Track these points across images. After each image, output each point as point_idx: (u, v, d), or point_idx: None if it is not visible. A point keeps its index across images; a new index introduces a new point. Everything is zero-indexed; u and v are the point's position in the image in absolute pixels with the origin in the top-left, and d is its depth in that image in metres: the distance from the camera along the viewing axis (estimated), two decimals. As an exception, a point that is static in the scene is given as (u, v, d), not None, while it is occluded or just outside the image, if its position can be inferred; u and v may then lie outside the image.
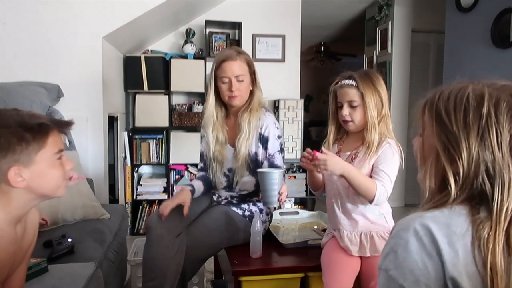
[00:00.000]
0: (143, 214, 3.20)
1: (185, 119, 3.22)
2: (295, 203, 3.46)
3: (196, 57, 3.23)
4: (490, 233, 0.60)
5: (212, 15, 3.36)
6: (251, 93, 1.62)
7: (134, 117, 3.16)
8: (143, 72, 3.09)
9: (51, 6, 2.34)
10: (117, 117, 2.91)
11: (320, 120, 6.38)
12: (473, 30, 2.72)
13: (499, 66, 2.49)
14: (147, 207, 3.22)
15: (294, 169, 3.50)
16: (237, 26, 3.36)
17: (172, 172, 3.26)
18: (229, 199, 1.68)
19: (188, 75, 3.17)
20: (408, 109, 3.83)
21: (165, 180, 3.21)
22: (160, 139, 3.22)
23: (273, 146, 1.59)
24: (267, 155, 1.59)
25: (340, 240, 1.36)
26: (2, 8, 2.29)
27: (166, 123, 3.19)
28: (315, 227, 1.79)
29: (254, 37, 3.46)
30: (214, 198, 1.72)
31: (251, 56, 1.66)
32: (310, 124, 6.45)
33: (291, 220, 1.92)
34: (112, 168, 2.89)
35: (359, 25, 4.58)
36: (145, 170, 3.45)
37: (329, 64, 6.57)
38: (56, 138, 0.91)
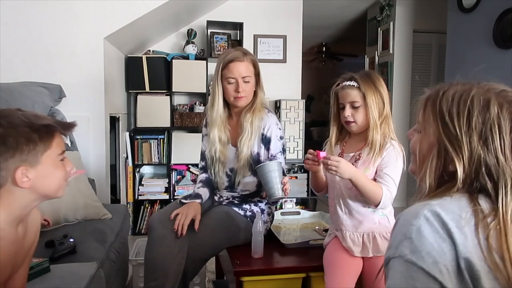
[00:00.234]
0: (144, 214, 3.21)
1: (187, 120, 3.23)
2: (296, 203, 3.46)
3: (197, 57, 3.24)
4: (498, 229, 0.61)
5: (213, 16, 3.37)
6: (254, 93, 1.62)
7: (135, 117, 3.17)
8: (145, 73, 3.09)
9: (52, 7, 2.35)
10: (118, 117, 2.91)
11: (322, 120, 6.37)
12: (475, 30, 2.72)
13: (501, 66, 2.49)
14: (149, 207, 3.22)
15: (296, 169, 3.50)
16: (238, 26, 3.36)
17: (173, 172, 3.26)
18: (231, 199, 1.68)
19: (190, 76, 3.18)
20: (410, 110, 3.83)
21: (167, 180, 3.21)
22: (161, 140, 3.23)
23: (275, 146, 1.60)
24: (269, 155, 1.59)
25: (342, 241, 1.36)
26: (3, 8, 2.30)
27: (167, 124, 3.19)
28: (317, 227, 1.79)
29: (255, 37, 3.46)
30: (216, 198, 1.72)
31: (253, 57, 1.66)
32: (311, 125, 6.44)
33: (293, 220, 1.92)
34: (113, 168, 2.90)
35: (360, 25, 4.58)
36: (146, 170, 3.46)
37: (330, 65, 6.57)
38: (60, 139, 0.92)
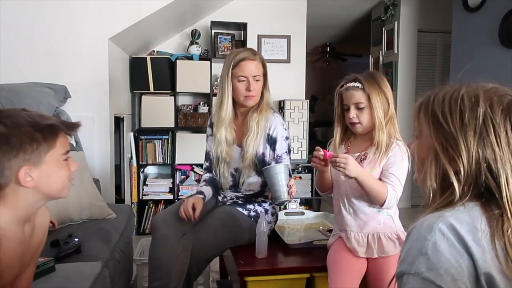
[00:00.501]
0: (149, 214, 3.22)
1: (191, 120, 3.23)
2: (300, 204, 3.45)
3: (201, 58, 3.24)
4: (507, 228, 0.60)
5: (217, 16, 3.37)
6: (261, 94, 1.63)
7: (140, 117, 3.18)
8: (149, 73, 3.10)
9: (57, 8, 2.36)
10: (123, 117, 2.92)
11: (326, 120, 6.36)
12: (481, 29, 2.70)
13: (507, 66, 2.47)
14: (153, 207, 3.23)
15: (300, 169, 3.50)
16: (242, 27, 3.36)
17: (177, 172, 3.27)
18: (235, 199, 1.68)
19: (194, 76, 3.18)
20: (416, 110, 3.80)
21: (171, 180, 3.22)
22: (165, 140, 3.23)
23: (281, 147, 1.60)
24: (275, 156, 1.59)
25: (347, 241, 1.36)
26: (9, 9, 2.32)
27: (171, 124, 3.20)
28: (321, 227, 1.78)
29: (259, 37, 3.46)
30: (220, 198, 1.72)
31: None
32: (315, 125, 6.43)
33: (297, 221, 1.91)
34: (118, 169, 2.91)
35: (365, 25, 4.57)
36: (151, 170, 3.47)
37: (334, 65, 6.55)
38: (64, 139, 0.92)
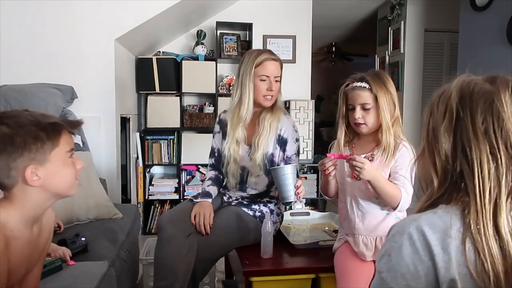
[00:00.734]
0: (154, 214, 3.23)
1: (196, 120, 3.24)
2: (306, 204, 3.45)
3: (207, 58, 3.25)
4: (478, 222, 0.59)
5: (222, 17, 3.38)
6: None
7: (146, 118, 3.20)
8: (155, 74, 3.12)
9: (64, 10, 2.38)
10: (129, 118, 2.94)
11: (331, 120, 6.33)
12: (488, 29, 2.67)
13: (515, 65, 2.44)
14: (159, 207, 3.24)
15: (305, 170, 3.49)
16: (247, 27, 3.36)
17: (183, 172, 3.28)
18: (240, 199, 1.68)
19: (199, 77, 3.19)
20: (421, 110, 3.78)
21: (177, 180, 3.23)
22: (171, 140, 3.25)
23: (291, 148, 1.61)
24: (285, 157, 1.61)
25: (354, 245, 1.34)
26: (18, 11, 2.34)
27: (177, 124, 3.21)
28: (326, 228, 1.78)
29: (265, 38, 3.46)
30: (225, 198, 1.72)
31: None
32: (321, 125, 6.41)
33: (302, 221, 1.91)
34: (124, 169, 2.93)
35: (371, 25, 4.54)
36: (156, 170, 3.48)
37: (340, 65, 6.52)
38: (68, 137, 0.92)
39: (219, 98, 3.25)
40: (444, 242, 0.59)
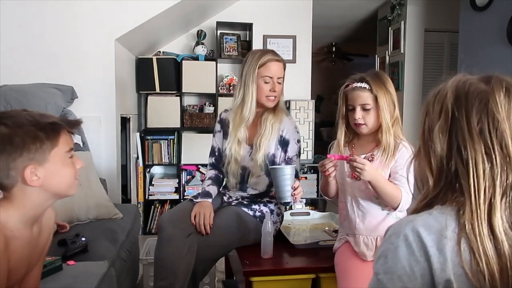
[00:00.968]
0: (155, 214, 3.23)
1: (196, 120, 3.24)
2: (306, 204, 3.45)
3: (207, 58, 3.25)
4: (473, 222, 0.60)
5: (223, 17, 3.38)
6: None
7: (146, 118, 3.20)
8: (155, 74, 3.12)
9: (64, 9, 2.39)
10: (129, 118, 2.94)
11: (332, 120, 6.32)
12: (488, 29, 2.67)
13: (515, 65, 2.44)
14: (159, 207, 3.25)
15: (306, 170, 3.49)
16: (248, 27, 3.36)
17: (183, 172, 3.28)
18: (240, 199, 1.68)
19: (199, 77, 3.19)
20: (421, 110, 3.77)
21: (177, 180, 3.24)
22: (171, 140, 3.25)
23: (292, 149, 1.62)
24: (286, 157, 1.61)
25: (355, 245, 1.34)
26: (18, 11, 2.34)
27: (177, 124, 3.21)
28: (326, 228, 1.78)
29: (265, 38, 3.46)
30: (225, 198, 1.72)
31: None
32: (321, 125, 6.41)
33: (302, 221, 1.91)
34: (124, 169, 2.93)
35: (371, 25, 4.54)
36: (157, 170, 3.48)
37: (340, 65, 6.52)
38: (67, 137, 0.92)
39: (219, 98, 3.25)
40: (440, 243, 0.60)
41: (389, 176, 1.32)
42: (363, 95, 1.30)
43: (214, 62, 3.23)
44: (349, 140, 1.41)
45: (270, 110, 1.62)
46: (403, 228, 0.62)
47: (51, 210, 1.03)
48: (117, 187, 2.59)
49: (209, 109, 3.27)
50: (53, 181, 0.89)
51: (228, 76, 3.36)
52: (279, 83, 1.60)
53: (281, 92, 1.62)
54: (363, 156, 1.34)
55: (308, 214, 1.98)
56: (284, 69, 1.63)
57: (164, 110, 3.18)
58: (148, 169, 3.25)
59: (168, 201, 3.24)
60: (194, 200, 1.61)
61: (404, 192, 1.25)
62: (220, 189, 1.78)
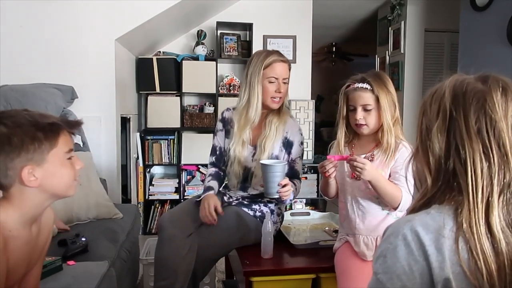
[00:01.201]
0: (155, 214, 3.23)
1: (197, 120, 3.24)
2: (306, 204, 3.45)
3: (207, 58, 3.25)
4: (470, 221, 0.60)
5: (223, 17, 3.38)
6: None
7: (146, 118, 3.20)
8: (155, 74, 3.12)
9: (64, 9, 2.39)
10: (129, 118, 2.94)
11: (332, 120, 6.31)
12: (488, 29, 2.67)
13: (516, 65, 2.44)
14: (159, 207, 3.25)
15: (306, 170, 3.49)
16: (248, 27, 3.36)
17: (183, 172, 3.28)
18: (240, 199, 1.68)
19: (200, 77, 3.19)
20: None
21: (177, 180, 3.23)
22: (171, 140, 3.25)
23: (296, 151, 1.62)
24: (290, 159, 1.61)
25: (355, 245, 1.34)
26: (18, 11, 2.34)
27: (177, 124, 3.21)
28: (327, 228, 1.78)
29: (265, 38, 3.46)
30: (225, 198, 1.72)
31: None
32: (321, 125, 6.41)
33: (303, 221, 1.91)
34: (124, 169, 2.93)
35: (371, 25, 4.54)
36: (157, 170, 3.48)
37: (340, 65, 6.52)
38: (67, 137, 0.92)
39: (219, 98, 3.25)
40: (438, 242, 0.60)
41: (389, 176, 1.32)
42: (364, 96, 1.30)
43: (214, 62, 3.23)
44: (349, 140, 1.41)
45: (275, 112, 1.62)
46: (401, 228, 0.63)
47: (51, 210, 1.03)
48: (117, 187, 2.59)
49: (209, 109, 3.27)
50: (51, 182, 0.89)
51: (228, 76, 3.36)
52: (285, 83, 1.59)
53: (286, 93, 1.62)
54: (363, 156, 1.34)
55: (308, 214, 1.98)
56: (289, 70, 1.62)
57: (164, 110, 3.18)
58: (148, 169, 3.25)
59: (168, 201, 3.24)
60: (198, 200, 1.61)
61: (405, 192, 1.26)
62: (221, 189, 1.78)
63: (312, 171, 3.50)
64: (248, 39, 3.42)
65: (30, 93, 2.15)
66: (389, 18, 3.99)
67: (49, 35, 2.38)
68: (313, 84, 3.69)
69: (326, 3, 3.89)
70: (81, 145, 2.14)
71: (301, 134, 1.65)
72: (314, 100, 3.47)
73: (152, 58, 3.12)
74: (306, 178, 3.42)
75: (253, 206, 1.64)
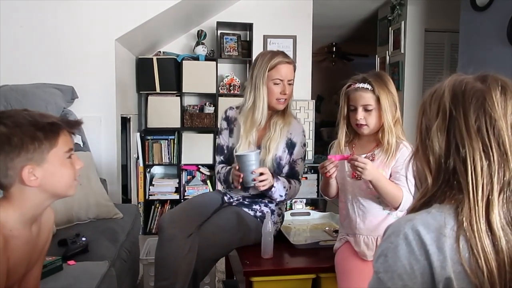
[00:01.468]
0: (155, 214, 3.23)
1: (197, 120, 3.24)
2: (306, 204, 3.45)
3: (207, 58, 3.25)
4: (471, 219, 0.60)
5: (223, 17, 3.38)
6: None
7: (146, 118, 3.20)
8: (155, 74, 3.12)
9: (65, 9, 2.39)
10: (129, 118, 2.94)
11: (332, 120, 6.31)
12: (489, 29, 2.67)
13: (516, 65, 2.44)
14: (159, 207, 3.25)
15: (306, 169, 3.49)
16: (248, 27, 3.36)
17: (183, 172, 3.28)
18: (241, 200, 1.68)
19: (200, 77, 3.19)
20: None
21: (177, 180, 3.23)
22: (172, 140, 3.25)
23: (297, 152, 1.62)
24: (291, 160, 1.61)
25: (355, 245, 1.34)
26: (19, 11, 2.34)
27: (177, 124, 3.21)
28: (327, 228, 1.78)
29: (265, 38, 3.46)
30: (226, 198, 1.72)
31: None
32: (321, 125, 6.41)
33: (303, 221, 1.91)
34: (124, 169, 2.93)
35: (371, 25, 4.54)
36: (157, 170, 3.48)
37: (340, 65, 6.52)
38: (67, 137, 0.92)
39: (219, 98, 3.25)
40: (439, 241, 0.60)
41: (390, 176, 1.32)
42: (365, 96, 1.30)
43: (215, 62, 3.23)
44: (350, 140, 1.42)
45: (280, 114, 1.62)
46: (402, 227, 0.63)
47: (51, 210, 1.03)
48: (117, 187, 2.59)
49: (209, 109, 3.27)
50: (51, 182, 0.89)
51: (228, 76, 3.36)
52: (290, 84, 1.59)
53: (291, 94, 1.61)
54: (364, 156, 1.34)
55: (308, 214, 1.98)
56: (294, 71, 1.62)
57: (164, 110, 3.18)
58: (148, 169, 3.25)
59: (168, 201, 3.24)
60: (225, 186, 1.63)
61: (405, 192, 1.26)
62: (221, 189, 1.78)
63: (312, 171, 3.50)
64: (248, 39, 3.42)
65: (30, 93, 2.15)
66: (389, 18, 3.99)
67: (49, 35, 2.38)
68: (313, 84, 3.69)
69: (326, 3, 3.89)
70: (81, 145, 2.14)
71: (304, 136, 1.66)
72: (314, 100, 3.47)
73: (152, 58, 3.12)
74: (306, 178, 3.42)
75: (254, 206, 1.64)
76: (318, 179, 3.44)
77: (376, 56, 4.37)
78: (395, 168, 1.30)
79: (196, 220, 1.54)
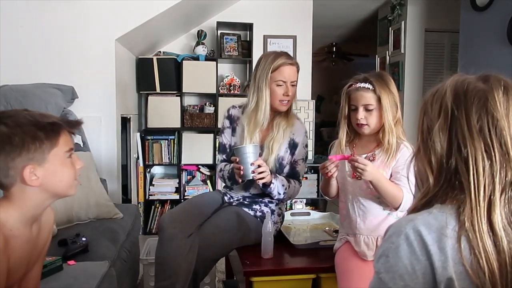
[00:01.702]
0: (155, 214, 3.23)
1: (197, 120, 3.24)
2: (306, 204, 3.45)
3: (207, 58, 3.25)
4: (472, 220, 0.60)
5: (223, 17, 3.38)
6: None
7: (146, 118, 3.20)
8: (155, 74, 3.12)
9: (65, 9, 2.39)
10: (129, 118, 2.94)
11: (332, 120, 6.31)
12: (489, 29, 2.67)
13: (516, 65, 2.44)
14: (159, 207, 3.25)
15: (306, 169, 3.49)
16: (248, 27, 3.36)
17: (183, 172, 3.28)
18: (241, 200, 1.68)
19: (200, 77, 3.19)
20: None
21: (177, 180, 3.23)
22: (172, 140, 3.25)
23: (299, 153, 1.63)
24: (292, 160, 1.62)
25: (355, 245, 1.34)
26: (18, 11, 2.34)
27: (178, 124, 3.21)
28: (327, 228, 1.78)
29: (265, 38, 3.46)
30: (226, 198, 1.72)
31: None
32: (321, 125, 6.41)
33: (303, 221, 1.91)
34: (125, 169, 2.93)
35: (371, 25, 4.54)
36: (157, 170, 3.48)
37: (341, 65, 6.52)
38: (67, 137, 0.92)
39: (219, 98, 3.25)
40: (440, 242, 0.60)
41: (390, 176, 1.32)
42: (366, 96, 1.30)
43: (215, 62, 3.23)
44: (351, 139, 1.42)
45: (283, 115, 1.62)
46: (403, 227, 0.63)
47: (51, 210, 1.03)
48: (117, 187, 2.59)
49: (209, 109, 3.27)
50: (52, 181, 0.89)
51: (228, 76, 3.36)
52: (293, 85, 1.59)
53: (294, 96, 1.61)
54: (364, 156, 1.34)
55: (308, 214, 1.98)
56: (298, 72, 1.61)
57: (165, 110, 3.18)
58: (148, 169, 3.25)
59: (169, 201, 3.24)
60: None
61: (406, 192, 1.26)
62: (221, 189, 1.78)
63: (312, 171, 3.50)
64: (248, 39, 3.42)
65: (30, 93, 2.15)
66: (389, 18, 3.99)
67: (49, 35, 2.38)
68: (313, 84, 3.69)
69: (326, 3, 3.89)
70: (81, 145, 2.14)
71: (307, 137, 1.66)
72: (314, 100, 3.47)
73: (152, 58, 3.12)
74: (306, 178, 3.42)
75: (254, 206, 1.64)
76: (318, 179, 3.44)
77: (376, 56, 4.37)
78: (395, 168, 1.30)
79: (196, 220, 1.54)
